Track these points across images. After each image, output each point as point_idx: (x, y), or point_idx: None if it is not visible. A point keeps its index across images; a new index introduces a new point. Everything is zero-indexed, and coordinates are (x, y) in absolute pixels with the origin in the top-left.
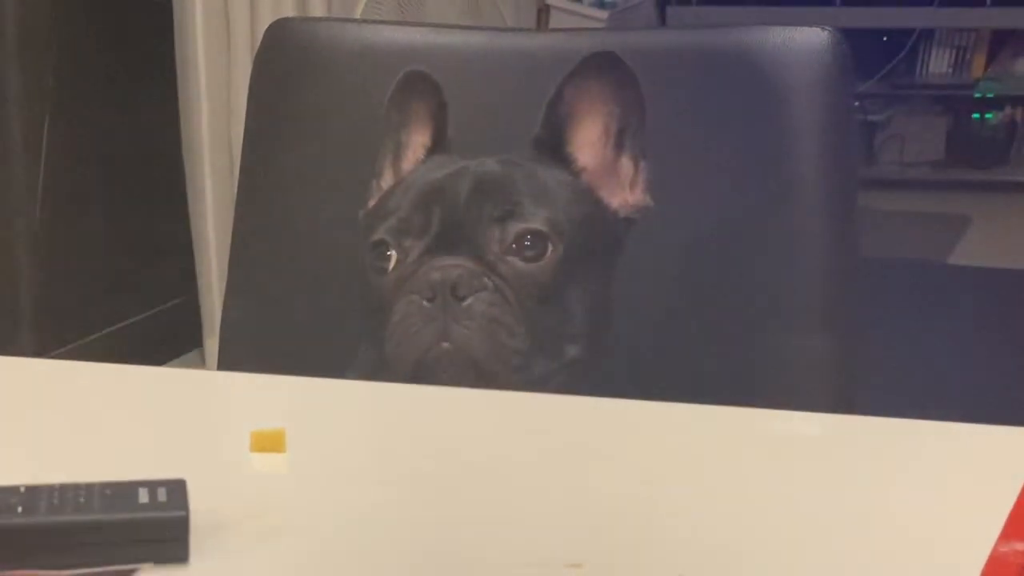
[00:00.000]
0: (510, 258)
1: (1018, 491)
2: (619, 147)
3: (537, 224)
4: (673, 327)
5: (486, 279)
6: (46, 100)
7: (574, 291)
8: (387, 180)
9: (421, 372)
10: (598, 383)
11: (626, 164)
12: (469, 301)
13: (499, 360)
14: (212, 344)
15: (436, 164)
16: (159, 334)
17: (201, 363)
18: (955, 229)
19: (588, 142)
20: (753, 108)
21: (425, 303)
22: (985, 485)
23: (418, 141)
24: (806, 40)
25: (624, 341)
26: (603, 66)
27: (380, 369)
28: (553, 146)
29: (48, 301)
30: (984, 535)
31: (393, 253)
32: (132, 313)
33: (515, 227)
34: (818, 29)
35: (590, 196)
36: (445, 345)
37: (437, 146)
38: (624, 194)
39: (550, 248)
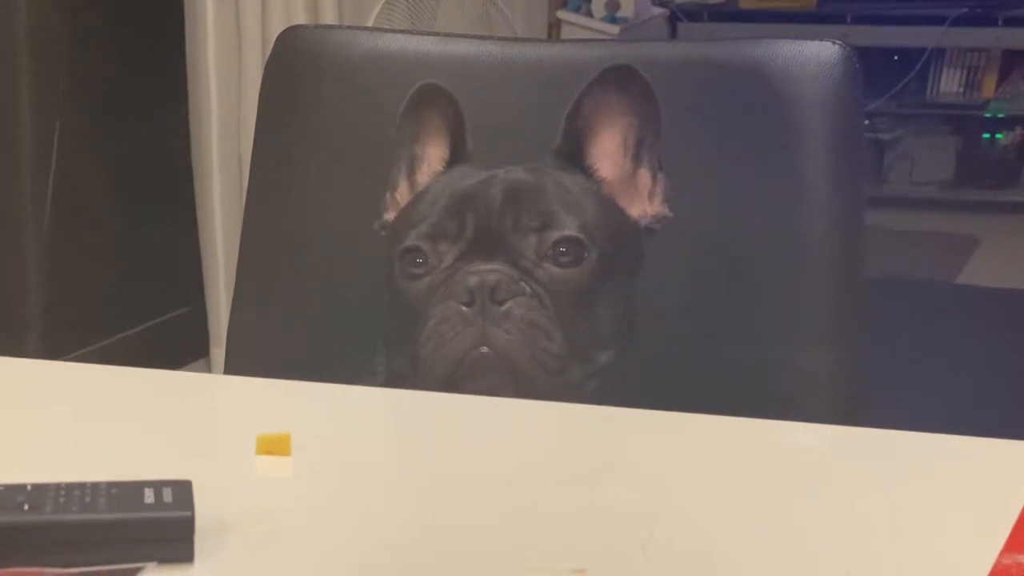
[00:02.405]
0: (546, 264)
1: (1022, 504)
2: (637, 159)
3: (573, 231)
4: (686, 337)
5: (524, 284)
6: (57, 108)
7: (605, 298)
8: (402, 192)
9: (458, 376)
10: (628, 389)
11: (644, 176)
12: (508, 305)
13: (538, 364)
14: (219, 353)
15: (461, 173)
16: (166, 343)
17: (207, 372)
18: (964, 249)
19: (607, 153)
20: (763, 121)
21: (463, 307)
22: (989, 497)
23: (434, 154)
24: (817, 54)
25: (644, 349)
26: (622, 79)
27: (400, 379)
28: (573, 157)
29: (55, 308)
30: (988, 547)
31: (426, 258)
32: (139, 321)
33: (552, 235)
34: (829, 43)
35: (614, 205)
36: (484, 349)
37: (457, 157)
38: (643, 205)
39: (586, 255)
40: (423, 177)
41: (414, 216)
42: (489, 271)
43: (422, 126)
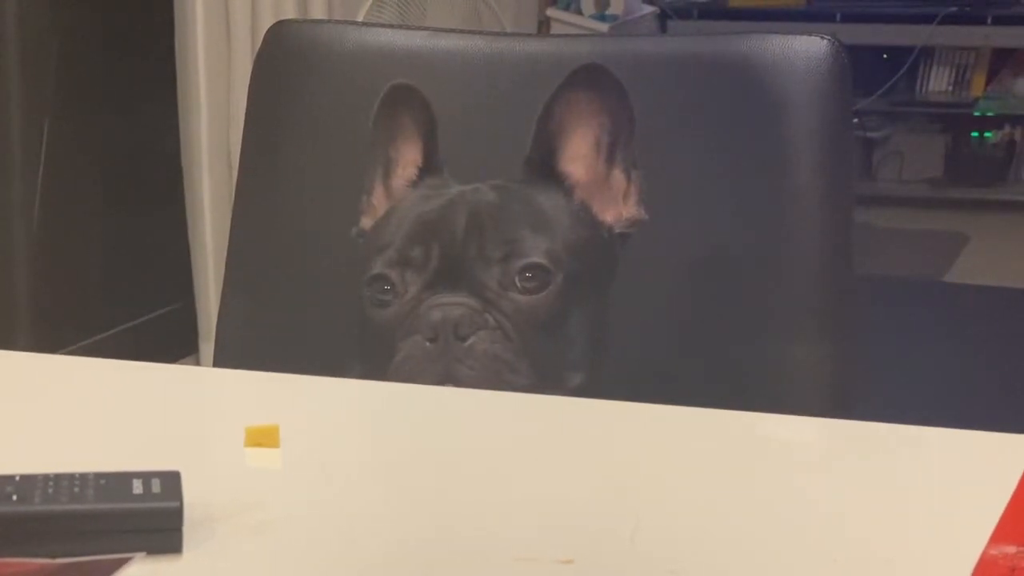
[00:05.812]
0: (511, 293)
1: (1008, 495)
2: (610, 160)
3: (537, 258)
4: (670, 340)
5: (488, 316)
6: (46, 104)
7: (575, 317)
8: (378, 196)
9: None
10: None
11: (618, 177)
12: (471, 341)
13: None
14: (208, 349)
15: (428, 189)
16: (155, 339)
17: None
18: (953, 247)
19: (579, 156)
20: (751, 116)
21: (427, 344)
22: (976, 489)
23: (408, 157)
24: (805, 49)
25: (623, 357)
26: (590, 79)
27: None
28: (545, 165)
29: (44, 305)
30: (975, 538)
31: (393, 286)
32: (128, 318)
33: (516, 264)
34: (817, 38)
35: (586, 217)
36: (448, 386)
37: (428, 165)
38: (618, 208)
39: (550, 279)
40: (398, 181)
41: (380, 240)
42: (453, 304)
43: (395, 128)
